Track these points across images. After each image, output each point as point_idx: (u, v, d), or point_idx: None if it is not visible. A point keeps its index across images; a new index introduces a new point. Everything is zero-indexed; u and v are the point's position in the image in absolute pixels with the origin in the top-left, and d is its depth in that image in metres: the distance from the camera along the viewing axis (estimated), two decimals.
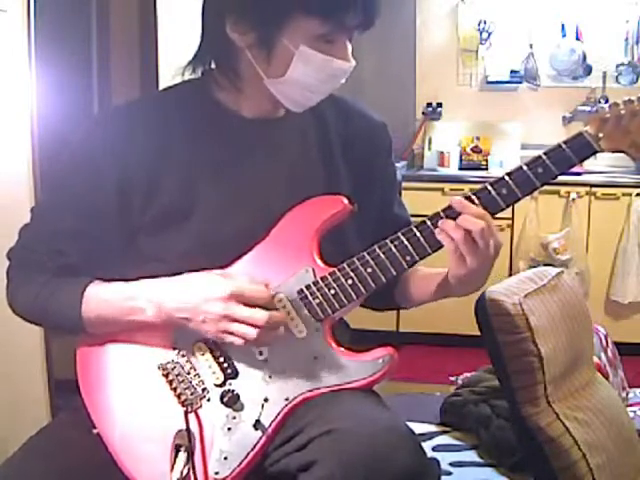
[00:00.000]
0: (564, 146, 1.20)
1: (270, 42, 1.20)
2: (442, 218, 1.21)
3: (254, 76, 1.25)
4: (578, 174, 3.80)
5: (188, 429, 1.19)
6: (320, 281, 1.24)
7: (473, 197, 1.21)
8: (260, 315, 1.17)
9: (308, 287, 1.24)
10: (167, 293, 1.22)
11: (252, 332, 1.17)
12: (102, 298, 1.26)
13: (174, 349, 1.26)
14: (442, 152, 4.29)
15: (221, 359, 1.24)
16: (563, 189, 3.77)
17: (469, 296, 1.44)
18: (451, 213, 1.20)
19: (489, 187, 1.21)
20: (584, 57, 4.19)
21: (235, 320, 1.17)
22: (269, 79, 1.24)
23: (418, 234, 1.22)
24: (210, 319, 1.18)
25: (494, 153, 4.27)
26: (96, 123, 1.33)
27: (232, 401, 1.21)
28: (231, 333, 1.18)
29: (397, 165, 3.94)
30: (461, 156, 4.30)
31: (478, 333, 1.58)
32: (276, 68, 1.22)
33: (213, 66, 1.31)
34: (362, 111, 1.42)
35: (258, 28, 1.20)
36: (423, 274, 1.38)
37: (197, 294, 1.20)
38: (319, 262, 1.26)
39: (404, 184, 3.95)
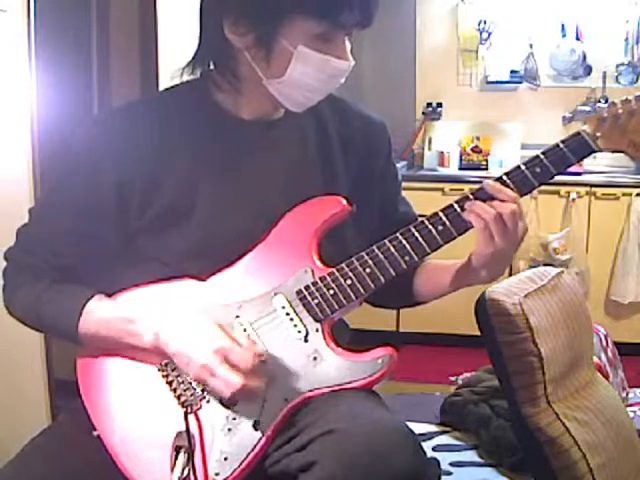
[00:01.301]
0: (562, 145, 1.20)
1: (268, 42, 1.20)
2: (441, 218, 1.22)
3: (253, 77, 1.25)
4: (578, 174, 3.80)
5: (188, 430, 1.19)
6: (319, 282, 1.24)
7: (471, 197, 1.22)
8: (235, 381, 1.16)
9: (307, 288, 1.24)
10: (165, 326, 1.22)
11: (225, 392, 1.17)
12: (101, 317, 1.26)
13: None
14: (442, 152, 4.29)
15: None
16: (563, 189, 3.77)
17: (469, 296, 1.45)
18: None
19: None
20: (584, 57, 4.19)
21: (213, 375, 1.17)
22: (268, 80, 1.24)
23: (417, 234, 1.22)
24: (194, 366, 1.19)
25: (494, 153, 4.27)
26: (95, 124, 1.33)
27: (232, 402, 1.21)
28: (208, 385, 1.19)
29: (397, 165, 3.94)
30: (461, 156, 4.30)
31: (478, 333, 1.57)
32: (275, 68, 1.22)
33: (212, 67, 1.31)
34: (361, 111, 1.42)
35: (256, 29, 1.20)
36: (441, 265, 1.38)
37: (191, 337, 1.20)
38: (318, 263, 1.26)
39: (404, 184, 3.90)
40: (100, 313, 1.26)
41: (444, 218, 1.22)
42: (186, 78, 1.34)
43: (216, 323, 1.23)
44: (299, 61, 1.20)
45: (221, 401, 1.21)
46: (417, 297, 1.43)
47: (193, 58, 1.31)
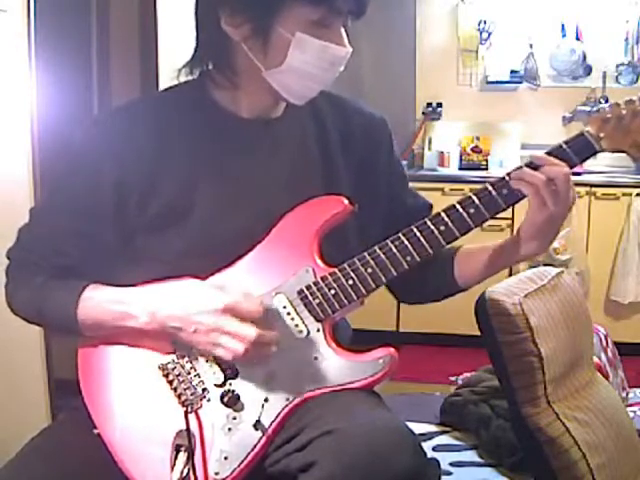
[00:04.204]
0: (565, 146, 1.20)
1: (265, 31, 1.20)
2: (443, 219, 1.22)
3: (252, 70, 1.25)
4: (578, 174, 3.80)
5: (188, 429, 1.19)
6: (320, 281, 1.24)
7: (474, 197, 1.21)
8: (250, 331, 1.17)
9: (308, 287, 1.24)
10: (161, 302, 1.22)
11: (240, 347, 1.17)
12: (97, 302, 1.26)
13: (174, 349, 1.26)
14: (442, 152, 4.29)
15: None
16: None
17: (469, 296, 1.45)
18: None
19: (490, 187, 1.21)
20: (584, 57, 4.19)
21: (225, 333, 1.17)
22: (267, 70, 1.24)
23: (418, 234, 1.22)
24: (201, 330, 1.18)
25: (494, 153, 4.27)
26: (95, 124, 1.33)
27: (232, 401, 1.21)
28: (220, 346, 1.18)
29: None
30: (461, 156, 4.30)
31: (478, 333, 1.57)
32: (273, 58, 1.22)
33: (210, 66, 1.31)
34: (360, 108, 1.42)
35: (252, 19, 1.20)
36: (482, 248, 1.35)
37: (191, 305, 1.20)
38: (319, 262, 1.26)
39: None
40: (97, 298, 1.26)
41: (446, 218, 1.22)
42: (184, 79, 1.34)
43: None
44: (297, 48, 1.20)
45: (222, 399, 1.21)
46: (460, 284, 1.39)
47: (192, 58, 1.31)
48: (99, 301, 1.26)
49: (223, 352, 1.19)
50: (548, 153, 1.20)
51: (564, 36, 4.20)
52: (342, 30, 1.23)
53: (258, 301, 1.21)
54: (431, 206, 1.43)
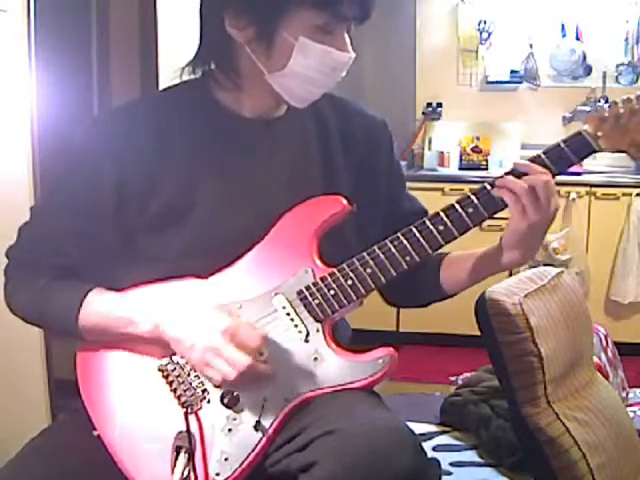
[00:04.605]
0: (563, 145, 1.20)
1: (269, 35, 1.20)
2: (442, 218, 1.22)
3: (255, 72, 1.25)
4: (578, 174, 3.80)
5: (188, 430, 1.19)
6: (320, 282, 1.24)
7: (472, 197, 1.22)
8: (243, 359, 1.16)
9: (308, 288, 1.24)
10: (165, 313, 1.22)
11: (231, 373, 1.17)
12: (100, 308, 1.26)
13: (174, 351, 1.26)
14: (442, 152, 4.29)
15: None
16: (563, 189, 3.77)
17: (469, 296, 1.45)
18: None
19: (488, 187, 1.22)
20: (584, 57, 4.19)
21: (219, 355, 1.17)
22: (270, 74, 1.24)
23: (417, 234, 1.22)
24: (197, 347, 1.18)
25: (494, 153, 4.27)
26: (95, 124, 1.33)
27: (232, 402, 1.21)
28: (212, 367, 1.18)
29: None
30: (461, 156, 4.30)
31: (478, 333, 1.57)
32: (276, 62, 1.22)
33: (213, 66, 1.31)
34: (361, 110, 1.42)
35: (257, 22, 1.20)
36: (469, 254, 1.35)
37: (194, 321, 1.20)
38: (319, 263, 1.26)
39: None
40: (99, 304, 1.26)
41: (445, 218, 1.22)
42: (186, 78, 1.34)
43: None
44: (300, 53, 1.20)
45: (222, 400, 1.21)
46: (446, 290, 1.39)
47: (194, 57, 1.31)
48: (102, 308, 1.26)
49: (213, 373, 1.19)
50: (546, 152, 1.20)
51: (564, 36, 4.19)
52: (346, 36, 1.23)
53: (259, 334, 1.20)
54: (427, 212, 1.43)
